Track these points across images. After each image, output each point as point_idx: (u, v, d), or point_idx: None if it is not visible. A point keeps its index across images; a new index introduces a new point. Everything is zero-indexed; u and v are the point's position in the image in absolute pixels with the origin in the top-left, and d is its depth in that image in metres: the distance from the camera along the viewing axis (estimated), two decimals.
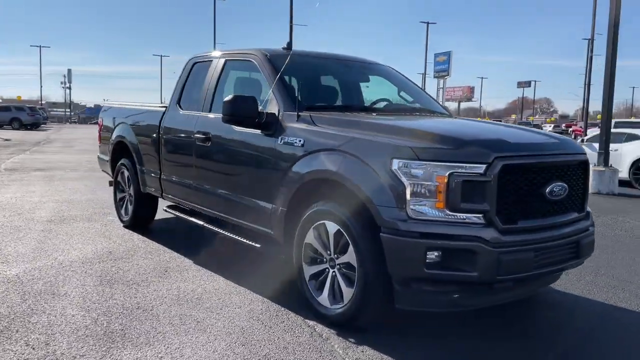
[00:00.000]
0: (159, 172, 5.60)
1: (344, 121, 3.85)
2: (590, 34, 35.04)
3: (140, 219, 6.33)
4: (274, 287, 4.33)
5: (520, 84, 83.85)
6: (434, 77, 45.20)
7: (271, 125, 4.06)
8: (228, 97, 4.09)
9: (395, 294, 3.26)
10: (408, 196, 3.13)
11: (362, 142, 3.42)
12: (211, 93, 4.95)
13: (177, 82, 5.54)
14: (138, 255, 5.25)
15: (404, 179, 3.14)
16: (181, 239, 6.02)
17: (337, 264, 3.56)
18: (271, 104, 4.15)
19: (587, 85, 39.43)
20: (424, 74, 55.83)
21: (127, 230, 6.28)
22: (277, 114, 4.08)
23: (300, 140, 3.79)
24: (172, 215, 5.66)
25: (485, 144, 3.23)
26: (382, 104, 4.77)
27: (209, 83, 5.02)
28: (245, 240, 4.32)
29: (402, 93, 5.12)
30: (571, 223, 3.54)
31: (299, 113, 3.94)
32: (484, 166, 3.10)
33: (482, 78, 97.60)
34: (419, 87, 5.42)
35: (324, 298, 3.64)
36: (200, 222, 4.96)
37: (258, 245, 4.21)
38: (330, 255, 3.61)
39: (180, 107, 5.38)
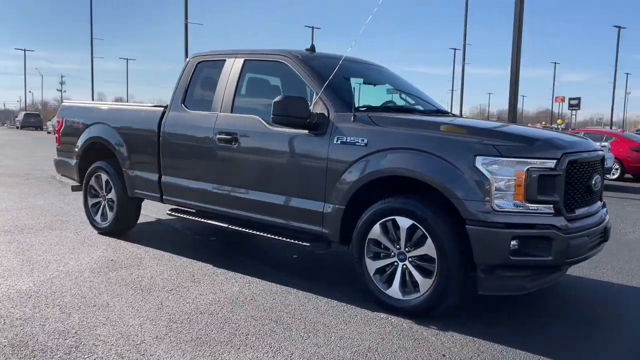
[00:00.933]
0: (158, 174, 5.37)
1: (408, 121, 4.06)
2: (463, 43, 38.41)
3: (123, 225, 5.99)
4: (318, 284, 4.42)
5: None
6: None
7: (322, 126, 4.14)
8: (279, 98, 4.10)
9: (479, 281, 3.54)
10: (493, 190, 3.42)
11: (440, 140, 3.65)
12: (231, 93, 4.86)
13: (178, 82, 5.34)
14: (147, 261, 5.00)
15: (488, 175, 3.43)
16: (175, 242, 5.80)
17: (409, 257, 3.75)
18: (316, 105, 4.22)
19: (461, 92, 42.97)
20: None
21: (107, 237, 5.89)
22: (326, 114, 4.16)
23: (363, 140, 3.92)
24: (152, 220, 5.46)
25: (553, 143, 3.63)
26: (407, 104, 5.02)
27: (226, 83, 4.92)
28: (294, 241, 4.32)
29: (403, 95, 5.41)
30: (599, 210, 4.06)
31: (355, 114, 4.07)
32: (554, 161, 3.48)
33: None
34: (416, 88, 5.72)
35: (394, 290, 3.80)
36: (224, 225, 4.84)
37: (308, 244, 4.25)
38: (399, 249, 3.79)
39: (186, 107, 5.21)
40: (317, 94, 4.25)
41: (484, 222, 3.42)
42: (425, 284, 3.66)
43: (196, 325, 3.51)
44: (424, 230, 3.62)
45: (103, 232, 6.02)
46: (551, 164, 3.48)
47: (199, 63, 5.29)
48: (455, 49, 46.21)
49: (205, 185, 4.95)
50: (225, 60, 5.06)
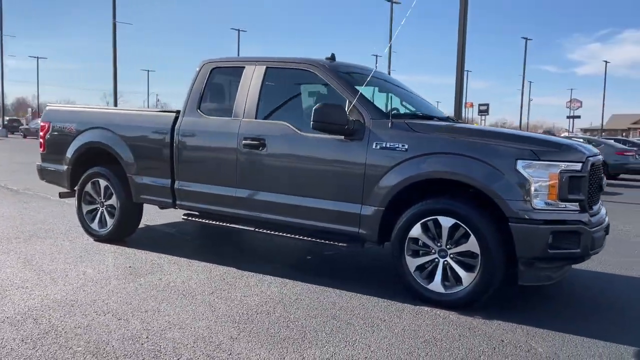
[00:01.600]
0: (171, 180, 5.36)
1: (447, 128, 4.38)
2: None
3: (124, 231, 5.88)
4: (351, 282, 4.62)
5: None
6: None
7: (358, 132, 4.36)
8: (319, 105, 4.29)
9: (520, 273, 3.90)
10: (532, 190, 3.80)
11: (482, 146, 3.99)
12: (254, 100, 4.96)
13: (191, 87, 5.34)
14: (167, 267, 4.97)
15: (528, 176, 3.81)
16: (181, 247, 5.75)
17: (450, 254, 4.05)
18: (351, 112, 4.43)
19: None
20: None
21: (107, 245, 5.76)
22: (362, 121, 4.39)
23: (403, 145, 4.18)
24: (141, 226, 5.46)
25: (578, 148, 4.07)
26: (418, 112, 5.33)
27: (247, 90, 5.01)
28: (330, 242, 4.50)
29: (404, 103, 5.71)
30: (601, 207, 4.57)
31: (393, 120, 4.33)
32: (581, 164, 3.92)
33: None
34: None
35: (436, 285, 4.09)
36: (250, 228, 4.93)
37: (345, 245, 4.45)
38: (440, 246, 4.09)
39: (202, 112, 5.25)
40: (350, 102, 4.46)
41: (525, 220, 3.79)
42: (468, 277, 3.98)
43: (262, 325, 3.61)
44: (467, 228, 3.94)
45: (100, 239, 5.88)
46: (578, 166, 3.91)
47: (213, 69, 5.34)
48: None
49: (228, 189, 5.01)
50: (244, 67, 5.15)
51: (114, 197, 5.79)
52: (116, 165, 5.76)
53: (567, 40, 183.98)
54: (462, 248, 4.00)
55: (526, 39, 57.62)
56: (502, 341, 3.51)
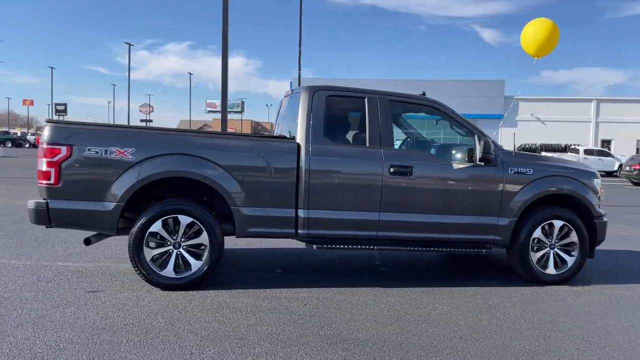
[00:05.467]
0: (294, 209, 5.10)
1: (538, 157, 6.01)
2: None
3: (213, 271, 5.09)
4: (440, 280, 5.71)
5: None
6: None
7: (493, 160, 5.51)
8: (486, 140, 5.30)
9: (593, 251, 5.92)
10: (600, 198, 5.90)
11: (575, 169, 5.83)
12: (388, 129, 5.32)
13: (308, 115, 5.16)
14: (259, 303, 4.83)
15: (598, 189, 5.88)
16: (237, 280, 5.38)
17: (557, 245, 5.75)
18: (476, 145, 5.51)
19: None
20: None
21: (163, 291, 4.91)
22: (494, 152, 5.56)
23: (530, 170, 5.61)
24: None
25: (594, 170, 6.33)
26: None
27: (378, 120, 5.31)
28: (473, 250, 5.49)
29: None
30: None
31: (516, 151, 5.66)
32: (600, 180, 6.23)
33: None
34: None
35: (551, 270, 5.72)
36: (397, 247, 5.36)
37: (488, 250, 5.54)
38: (551, 241, 5.73)
39: (331, 140, 5.22)
40: (478, 136, 5.52)
41: (600, 217, 5.87)
42: (571, 261, 5.76)
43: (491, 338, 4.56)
44: (570, 226, 5.73)
45: (177, 286, 4.93)
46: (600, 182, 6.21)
47: (328, 97, 5.32)
48: None
49: (370, 214, 5.26)
50: (364, 97, 5.40)
51: (203, 234, 4.95)
52: (201, 196, 4.99)
53: (115, 44, 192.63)
54: (567, 240, 5.74)
55: (129, 44, 58.05)
56: (619, 302, 5.51)
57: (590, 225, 5.85)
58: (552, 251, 5.78)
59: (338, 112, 5.51)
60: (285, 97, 6.48)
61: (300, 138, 5.20)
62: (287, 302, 4.77)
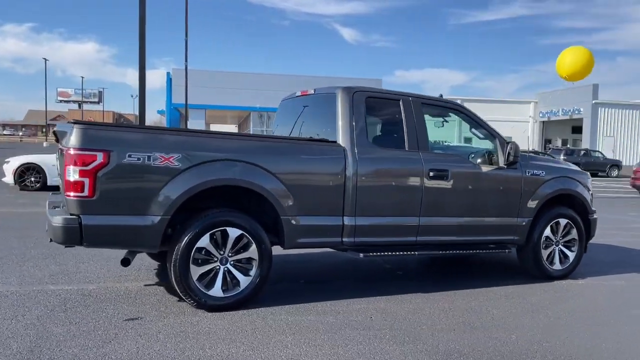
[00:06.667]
0: (341, 216, 4.86)
1: (544, 159, 6.25)
2: None
3: (263, 286, 4.68)
4: (478, 278, 5.89)
5: None
6: None
7: (514, 163, 5.70)
8: (514, 144, 5.46)
9: (586, 247, 6.37)
10: (592, 197, 6.39)
11: (576, 171, 6.21)
12: (423, 133, 5.26)
13: (351, 116, 4.90)
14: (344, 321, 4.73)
15: (591, 188, 6.36)
16: (295, 292, 5.07)
17: (561, 242, 6.12)
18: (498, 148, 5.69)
19: None
20: None
21: (254, 309, 4.49)
22: None
23: (542, 172, 5.88)
24: None
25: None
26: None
27: (414, 123, 5.23)
28: (497, 250, 5.66)
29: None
30: None
31: (530, 154, 5.90)
32: None
33: None
34: None
35: (557, 265, 6.06)
36: (434, 252, 5.32)
37: (510, 250, 5.72)
38: (557, 238, 6.08)
39: (376, 145, 5.04)
40: (500, 139, 5.68)
41: (594, 213, 6.35)
42: (572, 255, 6.17)
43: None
44: (572, 224, 6.12)
45: (226, 306, 4.48)
46: None
47: (367, 98, 5.12)
48: None
49: (411, 219, 5.17)
50: (399, 99, 5.29)
51: (252, 247, 4.53)
52: (251, 206, 4.60)
53: None
54: (569, 237, 6.15)
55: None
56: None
57: (585, 222, 6.30)
58: (557, 248, 6.14)
59: (376, 114, 5.35)
60: (287, 99, 6.17)
61: (343, 141, 4.94)
62: (352, 315, 4.52)
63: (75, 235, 4.02)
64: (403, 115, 5.28)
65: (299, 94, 5.89)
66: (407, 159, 5.20)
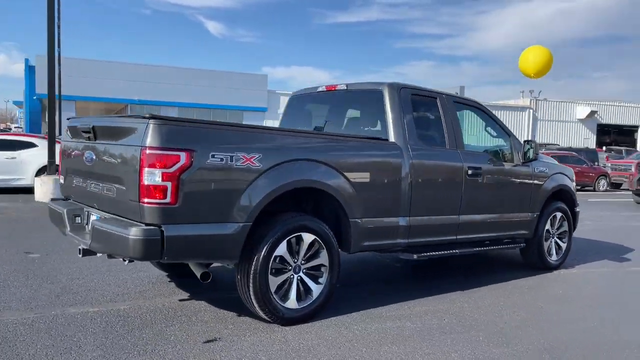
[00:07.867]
0: (398, 217, 4.71)
1: (551, 158, 6.53)
2: None
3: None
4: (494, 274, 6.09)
5: None
6: None
7: (533, 160, 5.93)
8: (534, 142, 5.69)
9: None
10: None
11: (564, 168, 6.61)
12: (459, 130, 5.28)
13: (400, 113, 4.75)
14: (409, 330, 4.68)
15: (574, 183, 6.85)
16: (343, 300, 4.83)
17: (556, 235, 6.50)
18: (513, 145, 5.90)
19: None
20: None
21: (322, 321, 4.17)
22: None
23: (545, 169, 6.19)
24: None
25: None
26: None
27: (451, 120, 5.23)
28: (510, 246, 5.87)
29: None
30: None
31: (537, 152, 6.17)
32: None
33: None
34: None
35: (554, 257, 6.44)
36: (470, 250, 5.37)
37: (523, 244, 5.96)
38: (553, 231, 6.45)
39: (423, 142, 4.93)
40: (513, 137, 5.89)
41: (578, 206, 6.84)
42: (564, 246, 6.59)
43: None
44: (564, 217, 6.54)
45: (298, 319, 4.13)
46: None
47: (412, 95, 5.00)
48: None
49: (452, 217, 5.17)
50: (436, 97, 5.25)
51: (322, 253, 4.22)
52: (330, 209, 4.28)
53: None
54: (562, 229, 6.55)
55: None
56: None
57: (573, 215, 6.77)
58: (553, 240, 6.52)
59: (419, 112, 5.22)
60: (301, 94, 5.89)
61: (396, 139, 4.79)
62: (424, 319, 4.38)
63: (155, 249, 3.43)
64: (441, 112, 5.25)
65: (322, 88, 5.60)
66: (451, 156, 5.17)
